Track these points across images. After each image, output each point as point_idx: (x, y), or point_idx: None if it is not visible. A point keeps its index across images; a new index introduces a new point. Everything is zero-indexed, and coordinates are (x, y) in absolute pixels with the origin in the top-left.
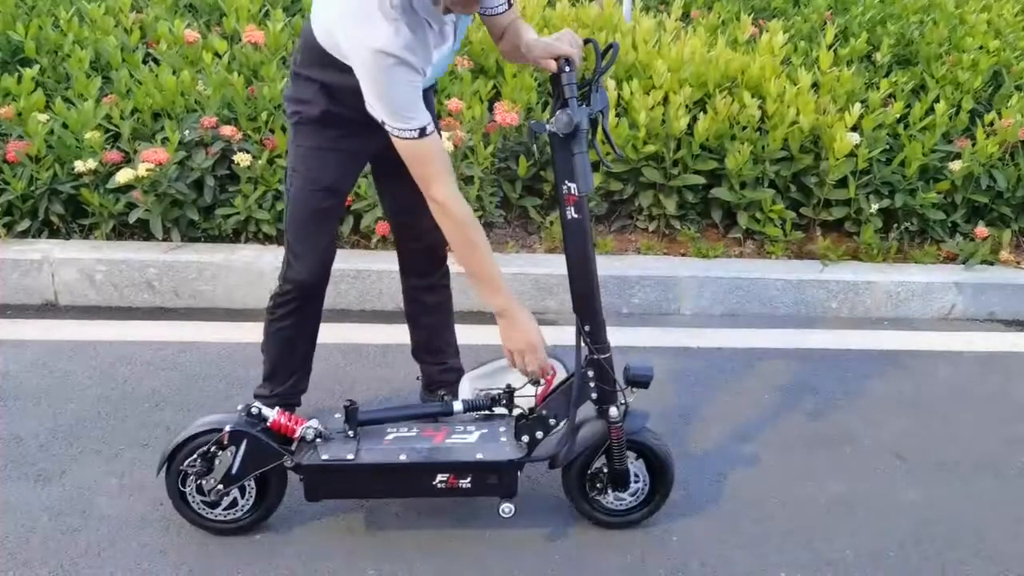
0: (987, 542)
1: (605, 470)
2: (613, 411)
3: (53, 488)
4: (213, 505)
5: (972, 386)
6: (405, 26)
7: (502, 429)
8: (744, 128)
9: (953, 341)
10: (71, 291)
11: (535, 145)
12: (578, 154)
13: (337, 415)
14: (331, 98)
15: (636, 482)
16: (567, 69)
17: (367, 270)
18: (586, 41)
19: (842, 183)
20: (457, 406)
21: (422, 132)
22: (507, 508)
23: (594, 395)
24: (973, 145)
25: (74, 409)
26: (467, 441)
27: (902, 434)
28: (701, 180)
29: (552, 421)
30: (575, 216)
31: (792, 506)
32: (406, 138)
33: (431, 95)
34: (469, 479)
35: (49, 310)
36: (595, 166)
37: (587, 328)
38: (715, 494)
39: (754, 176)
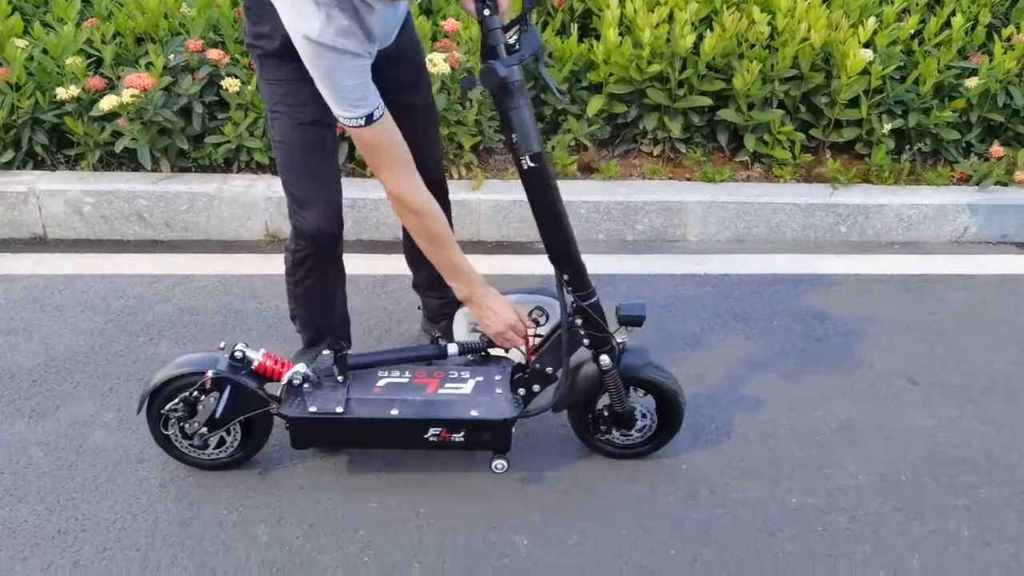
0: (1000, 465)
1: (606, 413)
2: (604, 358)
3: (48, 423)
4: (198, 447)
5: (985, 309)
6: (337, 10)
7: (497, 378)
8: (752, 46)
9: (966, 264)
10: (59, 224)
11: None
12: (514, 110)
13: (326, 352)
14: None
15: (643, 419)
16: (487, 12)
17: (363, 199)
18: None
19: (853, 103)
20: (452, 349)
21: (369, 119)
22: (500, 464)
23: (586, 341)
24: (990, 61)
25: (67, 344)
26: (462, 392)
27: (914, 358)
28: (708, 101)
29: (549, 371)
30: (532, 165)
31: (802, 432)
32: (352, 126)
33: (408, 35)
34: (462, 434)
35: (38, 244)
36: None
37: (566, 277)
38: (724, 422)
39: (762, 96)
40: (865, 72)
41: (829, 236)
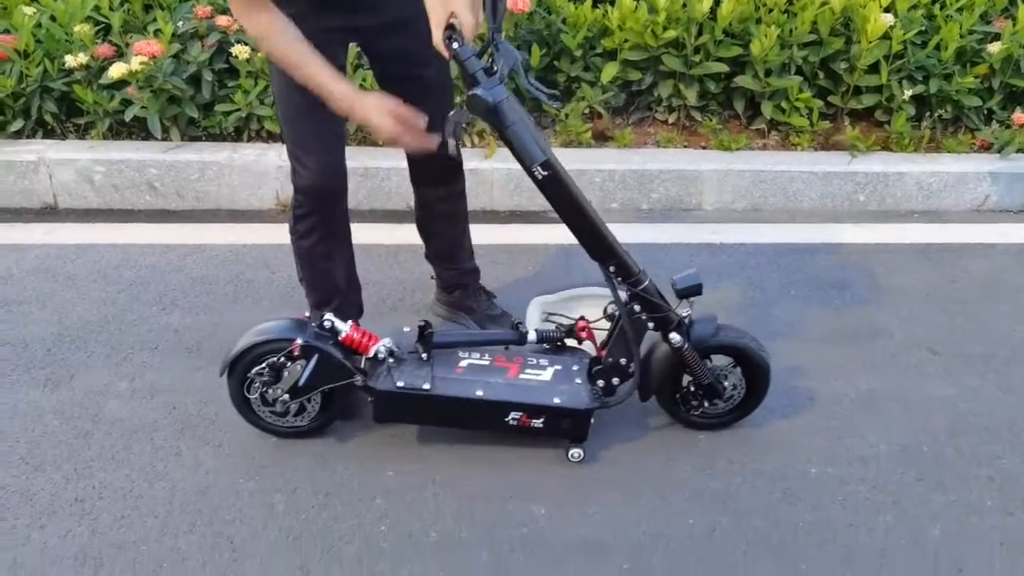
0: (1022, 435)
1: (693, 388)
2: (674, 336)
3: (63, 392)
4: (279, 413)
5: (1006, 278)
6: None
7: (575, 368)
8: (771, 10)
9: (986, 233)
10: (70, 193)
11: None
12: (509, 128)
13: (407, 329)
14: None
15: (732, 389)
16: (456, 45)
17: (375, 168)
18: None
19: (873, 69)
20: (531, 336)
21: None
22: (576, 453)
23: (651, 324)
24: (1013, 25)
25: (80, 313)
26: (542, 379)
27: (934, 328)
28: (724, 68)
29: (623, 362)
30: (544, 174)
31: (821, 402)
32: None
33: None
34: (542, 420)
35: (49, 213)
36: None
37: (612, 269)
38: None
39: (780, 63)
40: (886, 37)
41: (847, 205)
